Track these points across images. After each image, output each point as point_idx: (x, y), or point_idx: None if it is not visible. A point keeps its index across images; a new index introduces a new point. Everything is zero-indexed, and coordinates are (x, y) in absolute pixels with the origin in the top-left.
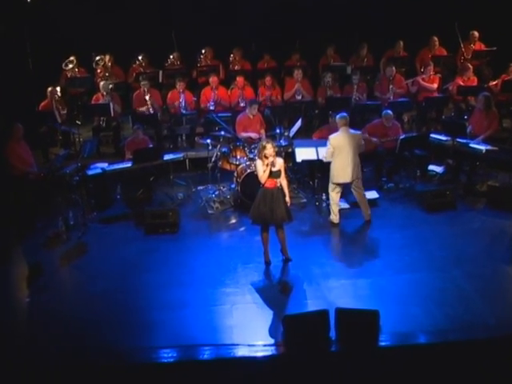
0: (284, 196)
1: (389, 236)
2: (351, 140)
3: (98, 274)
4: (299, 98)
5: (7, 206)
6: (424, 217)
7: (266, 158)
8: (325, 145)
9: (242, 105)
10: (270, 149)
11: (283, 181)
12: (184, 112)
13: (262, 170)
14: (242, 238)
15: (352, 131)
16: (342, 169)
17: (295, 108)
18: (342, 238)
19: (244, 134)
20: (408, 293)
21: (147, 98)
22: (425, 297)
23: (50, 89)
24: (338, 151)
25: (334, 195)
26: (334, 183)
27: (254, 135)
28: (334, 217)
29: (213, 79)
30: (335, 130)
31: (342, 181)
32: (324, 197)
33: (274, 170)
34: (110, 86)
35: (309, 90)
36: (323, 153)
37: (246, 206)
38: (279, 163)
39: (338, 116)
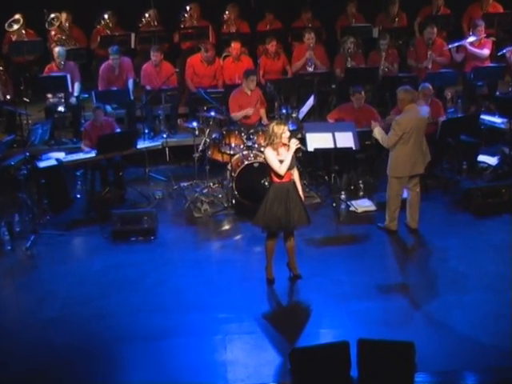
0: (298, 191)
1: (427, 246)
2: (421, 122)
3: (52, 296)
4: (311, 69)
5: None
6: (473, 222)
7: (284, 144)
8: (344, 129)
9: (238, 81)
10: (287, 132)
11: (295, 171)
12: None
13: (276, 160)
14: (238, 249)
15: (420, 108)
16: (405, 159)
17: (306, 82)
18: (367, 249)
19: (238, 114)
20: (452, 319)
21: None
22: (474, 325)
23: None
24: (406, 137)
25: (393, 196)
26: (393, 177)
27: (250, 111)
28: (390, 223)
29: (209, 53)
30: (357, 110)
31: (402, 174)
32: (343, 196)
33: (281, 158)
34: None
35: (323, 58)
36: (384, 138)
37: (242, 208)
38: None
39: (401, 90)
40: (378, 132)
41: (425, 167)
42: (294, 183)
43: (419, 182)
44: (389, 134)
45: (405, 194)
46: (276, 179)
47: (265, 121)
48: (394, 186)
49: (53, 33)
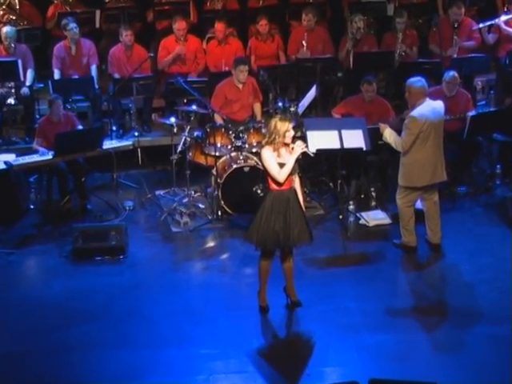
0: (299, 201)
1: (453, 268)
2: (438, 119)
3: (1, 328)
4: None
5: None
6: (508, 237)
7: (286, 145)
8: (352, 126)
9: (225, 68)
10: (292, 130)
11: (295, 177)
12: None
13: (275, 164)
14: (225, 271)
15: (434, 103)
16: (424, 165)
17: (307, 69)
18: (380, 271)
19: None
20: (484, 355)
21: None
22: (509, 362)
23: None
24: (424, 137)
25: (405, 209)
26: (406, 187)
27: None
28: (407, 238)
29: (179, 25)
30: (367, 103)
31: (421, 183)
32: (351, 207)
33: (281, 161)
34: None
35: (327, 41)
36: (397, 141)
37: (230, 221)
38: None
39: (412, 83)
40: (388, 135)
41: (440, 177)
42: (295, 191)
43: (437, 190)
44: (402, 134)
45: (418, 205)
46: (274, 186)
47: (258, 117)
48: (406, 196)
49: (0, 12)
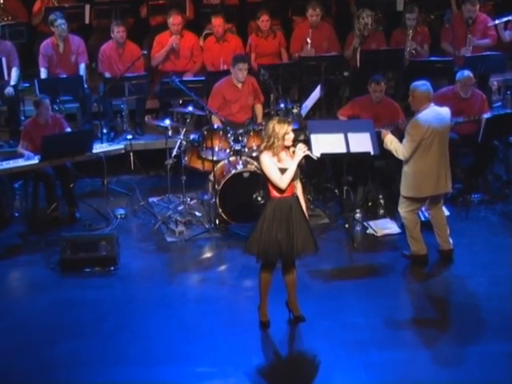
0: (302, 209)
1: (467, 279)
2: (442, 126)
3: None
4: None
5: None
6: None
7: (286, 148)
8: (359, 129)
9: (224, 67)
10: (291, 133)
11: (298, 183)
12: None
13: (275, 169)
14: (223, 284)
15: (440, 109)
16: (426, 175)
17: (311, 68)
18: (389, 283)
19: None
20: (499, 374)
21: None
22: None
23: None
24: (426, 144)
25: (409, 216)
26: (409, 197)
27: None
28: (416, 247)
29: (174, 20)
30: (375, 104)
31: (424, 194)
32: (358, 215)
33: (282, 166)
34: None
35: (332, 39)
36: (398, 148)
37: (228, 231)
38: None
39: (416, 87)
40: (390, 141)
41: (445, 188)
42: (298, 198)
43: (442, 197)
44: (403, 141)
45: (423, 215)
46: (275, 193)
47: (259, 119)
48: (408, 205)
49: None
